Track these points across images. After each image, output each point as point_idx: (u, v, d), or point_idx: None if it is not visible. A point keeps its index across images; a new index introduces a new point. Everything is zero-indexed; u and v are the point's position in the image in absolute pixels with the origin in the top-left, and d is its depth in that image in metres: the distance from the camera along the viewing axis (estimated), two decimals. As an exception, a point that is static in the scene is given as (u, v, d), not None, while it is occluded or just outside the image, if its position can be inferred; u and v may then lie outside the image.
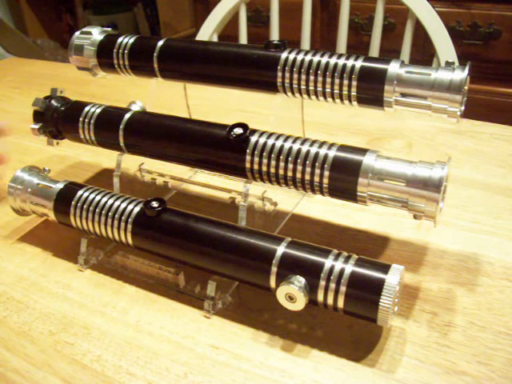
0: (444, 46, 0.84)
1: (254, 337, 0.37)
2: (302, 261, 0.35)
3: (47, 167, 0.49)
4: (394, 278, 0.33)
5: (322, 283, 0.34)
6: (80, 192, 0.44)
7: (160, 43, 0.46)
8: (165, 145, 0.44)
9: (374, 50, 0.97)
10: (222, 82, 0.45)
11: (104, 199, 0.43)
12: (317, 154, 0.37)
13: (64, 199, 0.45)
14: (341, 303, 0.34)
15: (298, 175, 0.38)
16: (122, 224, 0.41)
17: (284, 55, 0.41)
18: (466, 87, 0.36)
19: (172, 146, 0.43)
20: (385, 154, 0.37)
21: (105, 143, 0.47)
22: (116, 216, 0.41)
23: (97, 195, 0.43)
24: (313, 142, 0.38)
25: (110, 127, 0.46)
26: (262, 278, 0.36)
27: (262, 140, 0.39)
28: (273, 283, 0.36)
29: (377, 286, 0.33)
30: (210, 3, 1.60)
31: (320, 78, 0.39)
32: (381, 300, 0.32)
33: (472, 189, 0.51)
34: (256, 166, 0.39)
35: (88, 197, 0.43)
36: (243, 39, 1.04)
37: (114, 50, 0.48)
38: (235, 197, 0.49)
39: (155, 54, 0.46)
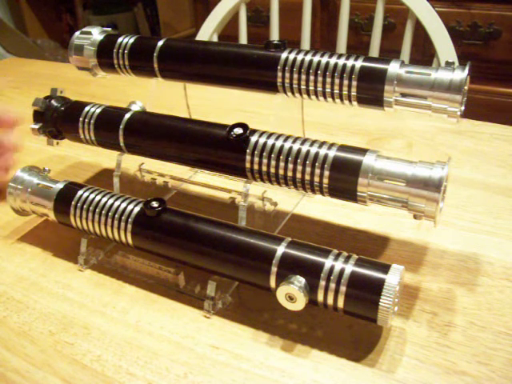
0: (444, 46, 0.84)
1: (253, 337, 0.37)
2: (302, 261, 0.35)
3: (47, 167, 0.49)
4: (394, 278, 0.33)
5: (322, 283, 0.34)
6: (80, 192, 0.44)
7: (160, 43, 0.46)
8: (165, 145, 0.44)
9: (374, 50, 0.97)
10: (222, 82, 0.45)
11: (104, 199, 0.43)
12: (317, 154, 0.37)
13: (64, 199, 0.45)
14: (341, 303, 0.34)
15: (298, 175, 0.38)
16: (122, 224, 0.41)
17: (284, 55, 0.41)
18: (466, 87, 0.36)
19: (172, 146, 0.43)
20: (385, 154, 0.37)
21: (105, 143, 0.47)
22: (116, 216, 0.41)
23: (97, 195, 0.43)
24: (313, 142, 0.38)
25: (110, 127, 0.46)
26: (261, 278, 0.36)
27: (262, 140, 0.39)
28: (273, 283, 0.36)
29: (377, 286, 0.33)
30: (210, 3, 1.60)
31: (320, 78, 0.39)
32: (381, 300, 0.32)
33: (472, 189, 0.51)
34: (256, 166, 0.39)
35: (88, 197, 0.43)
36: (243, 39, 1.04)
37: (114, 50, 0.48)
38: (235, 197, 0.49)
39: (155, 54, 0.46)
